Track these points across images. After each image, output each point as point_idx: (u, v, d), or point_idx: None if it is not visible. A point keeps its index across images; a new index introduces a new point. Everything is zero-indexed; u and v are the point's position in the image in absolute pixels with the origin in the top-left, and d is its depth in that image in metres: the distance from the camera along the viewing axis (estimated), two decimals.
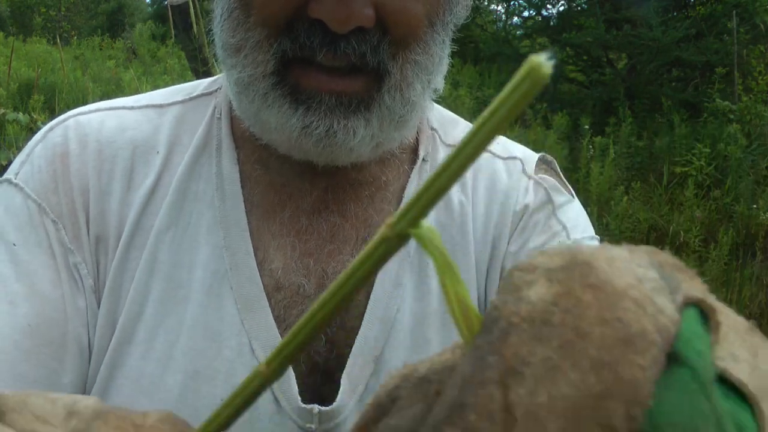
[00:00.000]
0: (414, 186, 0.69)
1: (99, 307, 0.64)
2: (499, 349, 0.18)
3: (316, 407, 0.64)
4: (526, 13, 9.73)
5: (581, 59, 9.35)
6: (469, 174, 0.70)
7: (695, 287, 0.21)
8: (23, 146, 0.70)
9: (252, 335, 0.63)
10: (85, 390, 0.64)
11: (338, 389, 0.65)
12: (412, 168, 0.72)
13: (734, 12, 7.63)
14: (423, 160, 0.72)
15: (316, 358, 0.67)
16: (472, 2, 0.70)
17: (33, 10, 15.63)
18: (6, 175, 0.66)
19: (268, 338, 0.63)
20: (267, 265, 0.65)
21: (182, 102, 0.72)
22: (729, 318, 0.22)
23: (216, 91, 0.72)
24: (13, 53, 5.15)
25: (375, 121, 0.61)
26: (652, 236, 6.24)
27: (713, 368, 0.20)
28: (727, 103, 6.90)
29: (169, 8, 2.97)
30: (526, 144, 0.90)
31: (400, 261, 0.68)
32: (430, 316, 0.68)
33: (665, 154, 6.81)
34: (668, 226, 6.13)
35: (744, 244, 5.84)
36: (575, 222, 0.71)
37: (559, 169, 0.77)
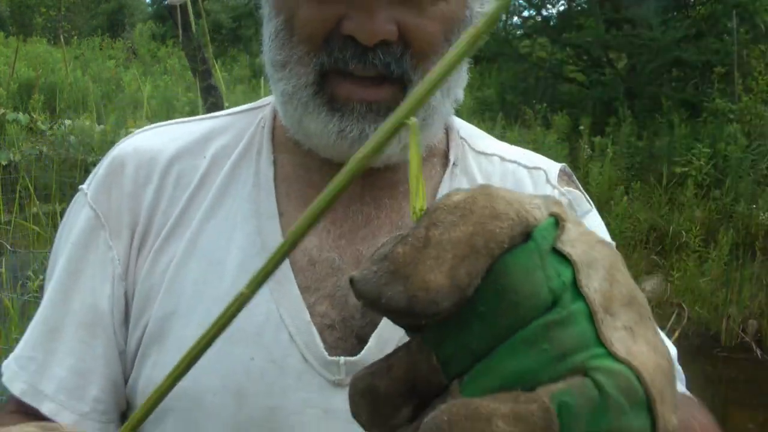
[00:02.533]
0: (446, 186, 0.79)
1: (134, 292, 0.76)
2: (429, 216, 0.33)
3: (342, 358, 0.71)
4: (526, 13, 9.74)
5: (581, 59, 9.34)
6: (497, 180, 0.81)
7: (561, 211, 0.35)
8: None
9: (279, 304, 0.72)
10: (121, 359, 0.76)
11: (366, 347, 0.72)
12: (444, 171, 0.81)
13: (734, 12, 7.63)
14: (453, 164, 0.81)
15: (351, 322, 0.73)
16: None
17: (33, 10, 15.64)
18: (82, 186, 0.81)
19: (294, 306, 0.72)
20: (301, 245, 0.72)
21: (232, 115, 0.84)
22: (581, 228, 0.35)
23: (264, 106, 0.84)
24: (17, 54, 5.15)
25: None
26: (652, 236, 6.24)
27: (551, 245, 0.34)
28: (727, 103, 6.90)
29: (178, 8, 2.98)
30: (526, 144, 0.92)
31: None
32: None
33: (665, 154, 6.81)
34: (668, 226, 6.12)
35: (744, 244, 5.83)
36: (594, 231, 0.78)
37: (577, 181, 0.86)
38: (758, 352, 5.21)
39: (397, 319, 0.33)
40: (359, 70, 0.68)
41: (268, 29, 0.74)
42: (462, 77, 0.76)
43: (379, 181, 0.77)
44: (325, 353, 0.71)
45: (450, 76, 0.34)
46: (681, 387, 0.75)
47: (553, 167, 0.85)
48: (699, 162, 6.37)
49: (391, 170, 0.77)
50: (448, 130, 0.83)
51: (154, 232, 0.77)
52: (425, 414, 0.32)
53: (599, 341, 0.32)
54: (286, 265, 0.73)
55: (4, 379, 0.77)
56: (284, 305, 0.72)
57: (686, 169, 6.44)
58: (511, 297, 0.32)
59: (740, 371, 5.11)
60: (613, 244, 0.80)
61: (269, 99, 0.83)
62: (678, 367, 0.76)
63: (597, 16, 8.56)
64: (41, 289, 3.27)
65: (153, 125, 0.86)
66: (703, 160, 6.38)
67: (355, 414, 0.35)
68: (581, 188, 0.85)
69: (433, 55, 0.70)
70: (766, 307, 5.46)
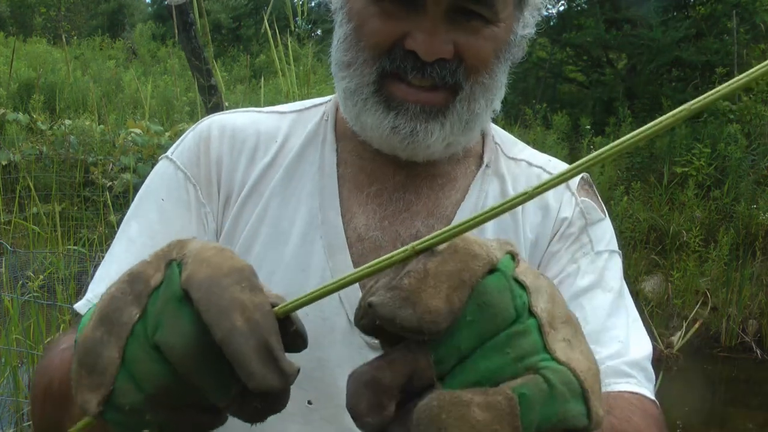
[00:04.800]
0: (479, 184, 0.89)
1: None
2: (425, 254, 0.43)
3: None
4: None
5: (581, 59, 9.34)
6: (523, 180, 0.91)
7: (514, 250, 0.46)
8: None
9: (334, 272, 0.83)
10: None
11: None
12: (478, 171, 0.91)
13: (734, 12, 7.63)
14: (486, 165, 0.91)
15: None
16: (527, 48, 0.90)
17: (33, 10, 15.63)
18: (165, 154, 0.91)
19: (346, 273, 0.78)
20: (353, 223, 0.86)
21: (299, 111, 0.95)
22: (526, 265, 0.46)
23: (327, 102, 0.95)
24: (14, 54, 5.14)
25: (448, 125, 0.81)
26: (652, 236, 6.24)
27: (512, 274, 0.44)
28: (727, 103, 6.90)
29: (176, 8, 2.97)
30: (526, 144, 0.94)
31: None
32: None
33: (665, 154, 6.81)
34: (668, 226, 6.12)
35: (744, 244, 5.83)
36: (601, 237, 0.89)
37: (596, 189, 0.94)
38: (758, 352, 5.22)
39: (406, 335, 0.41)
40: (417, 80, 0.79)
41: (338, 33, 0.84)
42: (502, 91, 0.86)
43: (420, 172, 0.88)
44: None
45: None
46: (646, 389, 0.79)
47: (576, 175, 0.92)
48: (699, 162, 6.37)
49: (431, 164, 0.88)
50: (484, 135, 0.94)
51: (234, 196, 0.88)
52: (409, 407, 0.41)
53: (546, 349, 0.42)
54: (341, 237, 0.85)
55: (81, 308, 0.82)
56: (337, 272, 0.83)
57: (686, 169, 6.44)
58: (490, 310, 0.42)
59: (740, 371, 5.11)
60: (618, 252, 0.89)
61: (329, 97, 0.96)
62: (648, 368, 0.81)
63: (597, 16, 8.56)
64: (41, 288, 3.28)
65: (231, 110, 0.97)
66: (703, 160, 6.37)
67: (354, 404, 0.42)
68: (598, 197, 0.93)
69: (483, 69, 0.80)
70: (766, 307, 5.46)
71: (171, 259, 0.48)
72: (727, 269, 5.58)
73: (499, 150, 0.94)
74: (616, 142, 0.41)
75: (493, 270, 0.43)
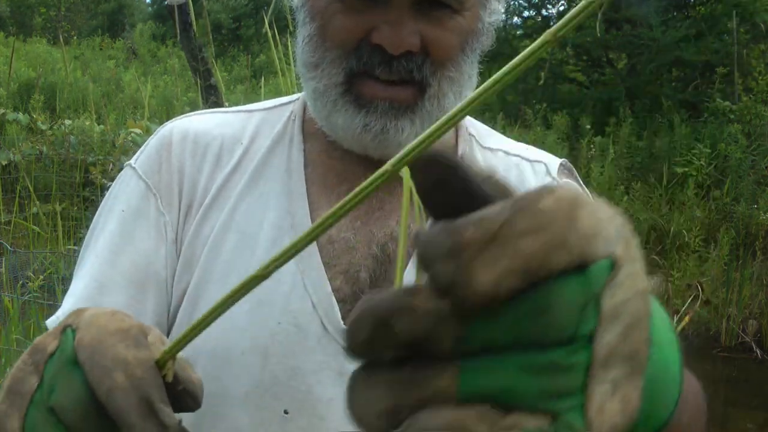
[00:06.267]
0: None
1: (179, 256, 0.84)
2: (512, 208, 0.34)
3: None
4: (526, 13, 9.75)
5: (581, 59, 9.34)
6: (501, 172, 0.86)
7: (622, 252, 0.36)
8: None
9: (304, 275, 0.81)
10: (168, 316, 0.83)
11: None
12: None
13: (734, 12, 7.63)
14: (460, 157, 0.84)
15: (361, 296, 0.82)
16: (495, 34, 0.88)
17: (33, 10, 15.63)
18: (129, 161, 0.89)
19: (317, 278, 0.81)
20: None
21: (267, 109, 0.93)
22: (634, 268, 0.37)
23: (294, 101, 0.93)
24: (13, 54, 5.14)
25: (418, 122, 0.80)
26: (652, 236, 6.24)
27: (600, 289, 0.34)
28: (727, 103, 6.90)
29: (177, 8, 2.97)
30: (526, 144, 0.94)
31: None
32: None
33: (665, 154, 6.81)
34: (668, 226, 6.12)
35: (744, 244, 5.83)
36: None
37: (578, 175, 0.92)
38: (758, 352, 5.22)
39: (431, 283, 0.34)
40: (384, 75, 0.78)
41: (302, 32, 0.83)
42: (473, 81, 0.84)
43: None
44: (342, 322, 0.80)
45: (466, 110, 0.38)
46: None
47: (554, 161, 0.93)
48: (699, 162, 6.37)
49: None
50: (457, 127, 0.91)
51: (196, 204, 0.86)
52: (410, 368, 0.34)
53: (583, 390, 0.34)
54: None
55: (50, 324, 0.83)
56: (309, 276, 0.81)
57: (686, 169, 6.44)
58: (547, 320, 0.33)
59: (740, 371, 5.12)
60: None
61: (297, 95, 0.94)
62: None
63: (597, 16, 8.55)
64: (41, 288, 3.28)
65: (196, 112, 0.96)
66: (704, 160, 6.37)
67: (354, 333, 0.34)
68: (581, 182, 0.91)
69: (450, 62, 0.80)
70: (766, 307, 5.46)
71: (67, 326, 0.50)
72: (727, 269, 5.58)
73: (474, 141, 0.92)
74: (496, 76, 0.36)
75: (582, 267, 0.34)
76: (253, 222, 0.84)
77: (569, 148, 7.12)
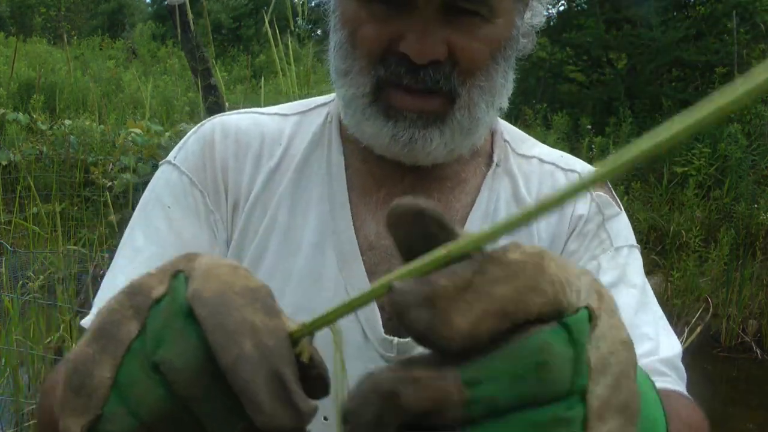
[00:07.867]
0: (489, 184, 0.87)
1: (229, 255, 0.83)
2: (483, 260, 0.35)
3: (395, 339, 0.80)
4: None
5: (581, 59, 9.34)
6: (535, 179, 0.89)
7: (597, 303, 0.37)
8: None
9: (347, 281, 0.81)
10: None
11: None
12: (488, 170, 0.89)
13: (734, 12, 7.63)
14: (496, 165, 0.89)
15: None
16: (537, 38, 0.88)
17: (33, 10, 15.63)
18: (167, 159, 0.88)
19: (360, 284, 0.81)
20: (363, 230, 0.84)
21: (302, 113, 0.92)
22: (613, 320, 0.38)
23: (330, 102, 0.93)
24: (15, 54, 5.14)
25: (448, 132, 0.79)
26: (652, 236, 6.24)
27: (586, 339, 0.35)
28: None
29: (177, 8, 2.97)
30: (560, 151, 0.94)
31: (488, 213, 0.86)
32: None
33: (665, 154, 6.80)
34: (668, 226, 6.12)
35: (744, 244, 5.83)
36: (619, 233, 0.87)
37: (610, 184, 0.92)
38: (758, 352, 5.21)
39: (411, 337, 0.34)
40: (412, 84, 0.76)
41: (333, 39, 0.83)
42: (507, 89, 0.84)
43: (428, 176, 0.86)
44: (383, 331, 0.80)
45: None
46: (681, 388, 0.77)
47: (588, 170, 0.90)
48: (699, 162, 6.37)
49: (439, 167, 0.86)
50: (492, 133, 0.91)
51: (241, 204, 0.85)
52: None
53: None
54: (354, 246, 0.83)
55: (86, 324, 0.79)
56: (351, 283, 0.81)
57: (686, 169, 6.44)
58: (545, 375, 0.34)
59: (740, 371, 5.11)
60: (636, 247, 0.88)
61: (332, 95, 0.93)
62: (680, 366, 0.79)
63: (597, 16, 8.56)
64: (41, 288, 3.28)
65: (235, 111, 0.94)
66: (704, 160, 6.37)
67: (356, 409, 0.33)
68: (613, 192, 0.91)
69: (479, 71, 0.78)
70: (766, 307, 5.45)
71: (178, 270, 0.42)
72: (727, 269, 5.58)
73: (509, 147, 0.91)
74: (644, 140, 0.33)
75: (560, 315, 0.35)
76: (295, 226, 0.84)
77: (569, 148, 7.11)
